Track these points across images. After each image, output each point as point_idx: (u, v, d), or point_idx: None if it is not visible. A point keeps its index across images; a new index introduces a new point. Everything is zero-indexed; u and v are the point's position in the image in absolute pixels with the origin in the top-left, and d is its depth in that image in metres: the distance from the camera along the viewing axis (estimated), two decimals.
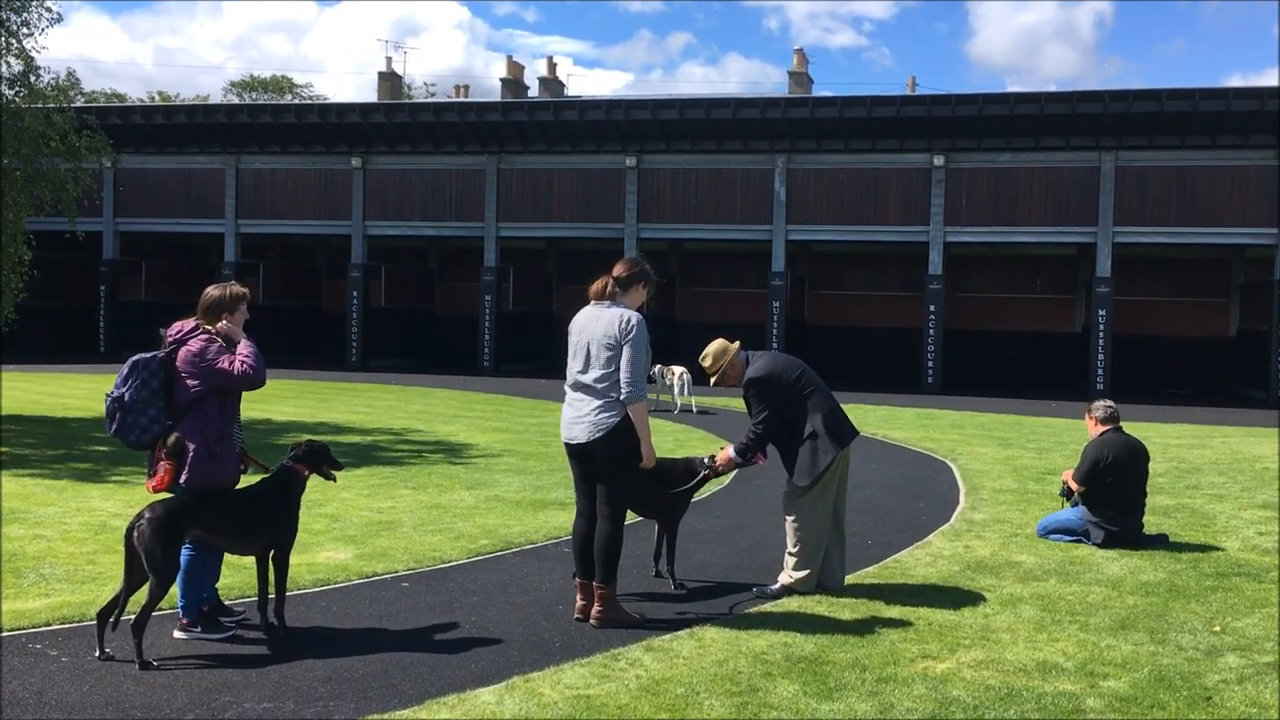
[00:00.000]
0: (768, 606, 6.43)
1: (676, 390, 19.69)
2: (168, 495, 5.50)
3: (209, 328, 5.62)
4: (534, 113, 29.23)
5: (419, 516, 8.92)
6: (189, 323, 5.64)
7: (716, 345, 6.90)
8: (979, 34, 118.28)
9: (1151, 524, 8.79)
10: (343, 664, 5.19)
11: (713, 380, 6.91)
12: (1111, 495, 8.24)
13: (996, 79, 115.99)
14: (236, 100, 53.50)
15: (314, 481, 6.01)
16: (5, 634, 5.51)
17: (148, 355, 5.55)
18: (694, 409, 19.53)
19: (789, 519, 6.76)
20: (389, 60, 44.96)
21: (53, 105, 16.92)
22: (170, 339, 5.61)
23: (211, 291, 5.76)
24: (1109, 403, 8.75)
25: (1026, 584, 7.04)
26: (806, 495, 6.68)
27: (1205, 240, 26.18)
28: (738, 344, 6.95)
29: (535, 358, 31.73)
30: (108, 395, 5.47)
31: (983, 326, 31.24)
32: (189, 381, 5.49)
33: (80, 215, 18.38)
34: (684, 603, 6.52)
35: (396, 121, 29.67)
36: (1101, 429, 8.55)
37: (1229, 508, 10.11)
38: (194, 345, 5.54)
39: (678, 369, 19.68)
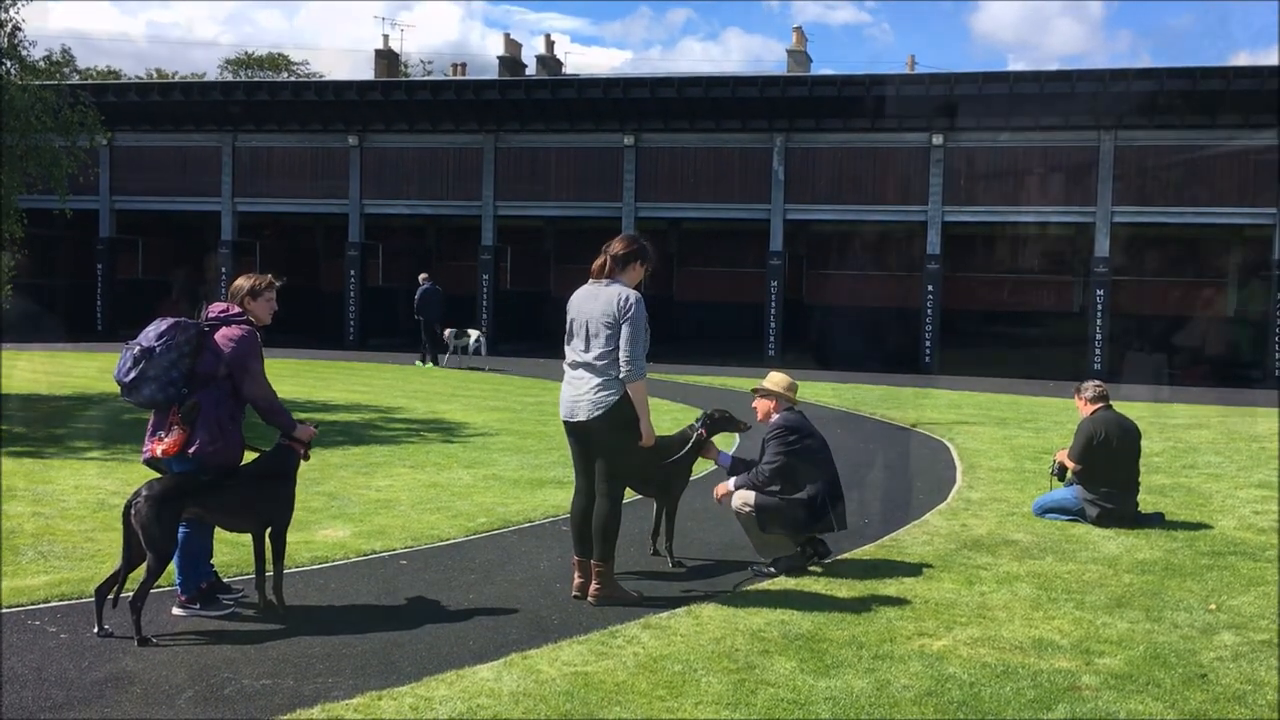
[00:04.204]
0: (765, 584, 6.46)
1: (471, 349, 23.95)
2: (164, 473, 5.50)
3: (253, 320, 5.73)
4: (532, 91, 29.08)
5: (417, 495, 8.94)
6: (233, 307, 5.72)
7: (786, 378, 6.95)
8: (983, 9, 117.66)
9: (1148, 503, 8.82)
10: (341, 641, 5.21)
11: (756, 402, 6.97)
12: (1106, 472, 8.28)
13: (999, 56, 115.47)
14: (232, 79, 53.22)
15: (312, 459, 6.02)
16: (4, 611, 5.53)
17: (190, 320, 5.62)
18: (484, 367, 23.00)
19: (744, 528, 6.86)
20: (385, 37, 44.75)
21: (45, 80, 16.77)
22: (211, 316, 5.68)
23: (242, 282, 5.86)
24: (1097, 382, 8.89)
25: (1023, 562, 7.06)
26: (764, 533, 6.75)
27: (1204, 220, 26.11)
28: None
29: (532, 337, 31.67)
30: (133, 343, 5.47)
31: (981, 306, 31.22)
32: (218, 360, 5.55)
33: (76, 193, 18.24)
34: (682, 581, 6.54)
35: (393, 99, 29.50)
36: (1093, 408, 8.61)
37: (1225, 487, 10.13)
38: (235, 332, 5.61)
39: (474, 332, 24.50)
